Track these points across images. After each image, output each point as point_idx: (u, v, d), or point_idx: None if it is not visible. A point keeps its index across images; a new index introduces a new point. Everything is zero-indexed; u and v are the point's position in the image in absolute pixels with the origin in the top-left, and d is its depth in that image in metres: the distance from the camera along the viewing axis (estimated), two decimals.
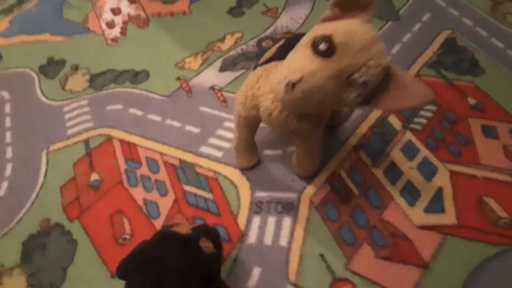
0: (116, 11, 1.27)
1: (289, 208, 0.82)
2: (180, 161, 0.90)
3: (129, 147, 0.93)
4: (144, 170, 0.89)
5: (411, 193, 0.82)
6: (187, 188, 0.86)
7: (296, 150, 0.81)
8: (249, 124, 0.78)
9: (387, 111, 0.58)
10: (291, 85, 0.50)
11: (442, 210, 0.79)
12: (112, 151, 0.92)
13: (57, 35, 1.21)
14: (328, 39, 0.51)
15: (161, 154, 0.91)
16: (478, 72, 1.01)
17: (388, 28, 1.13)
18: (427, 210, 0.80)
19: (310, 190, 0.84)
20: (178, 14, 1.25)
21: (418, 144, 0.89)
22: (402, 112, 0.94)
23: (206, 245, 0.58)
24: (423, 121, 0.93)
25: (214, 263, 0.59)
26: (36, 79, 1.10)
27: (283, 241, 0.77)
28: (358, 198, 0.82)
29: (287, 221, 0.80)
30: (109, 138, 0.95)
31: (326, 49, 0.51)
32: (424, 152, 0.88)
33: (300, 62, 0.51)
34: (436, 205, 0.80)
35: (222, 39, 1.16)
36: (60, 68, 1.11)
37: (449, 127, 0.91)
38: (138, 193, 0.86)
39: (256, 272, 0.74)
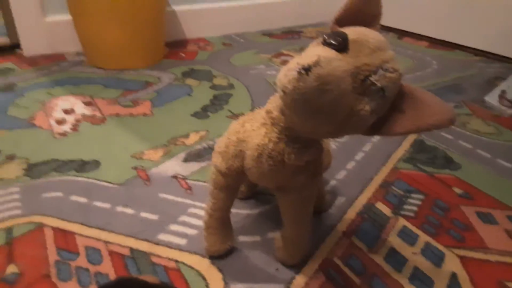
0: (68, 111, 1.18)
1: None
2: (131, 250, 0.70)
3: (64, 235, 0.72)
4: (81, 261, 0.68)
5: (422, 281, 0.67)
6: None
7: (284, 225, 0.67)
8: (228, 185, 0.64)
9: (404, 134, 0.49)
10: (306, 69, 0.41)
11: None
12: (42, 241, 0.71)
13: None
14: (340, 33, 0.45)
15: (106, 243, 0.71)
16: (455, 167, 0.99)
17: None
18: None
19: (300, 280, 0.66)
20: (138, 115, 1.18)
21: (415, 229, 0.78)
22: (390, 200, 0.85)
23: None
24: (414, 208, 0.84)
25: None
26: None
27: None
28: (360, 287, 0.65)
29: None
30: (40, 226, 0.74)
31: (340, 42, 0.44)
32: (424, 237, 0.76)
33: (314, 51, 0.43)
34: None
35: (186, 136, 1.08)
36: None
37: (442, 214, 0.82)
38: None
39: None
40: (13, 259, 0.67)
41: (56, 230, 0.74)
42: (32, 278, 0.64)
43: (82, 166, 0.93)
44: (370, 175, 0.94)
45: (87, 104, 1.24)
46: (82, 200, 0.82)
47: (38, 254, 0.68)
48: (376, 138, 1.10)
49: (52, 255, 0.68)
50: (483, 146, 1.07)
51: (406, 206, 0.84)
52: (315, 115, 0.46)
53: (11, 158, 0.95)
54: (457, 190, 0.90)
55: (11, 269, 0.65)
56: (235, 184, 0.65)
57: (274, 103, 0.55)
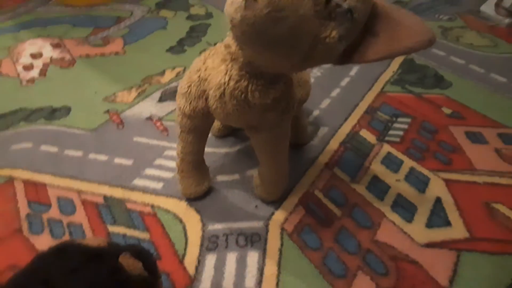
0: (36, 56, 1.11)
1: (254, 240, 0.61)
2: (105, 198, 0.68)
3: (35, 188, 0.70)
4: (53, 212, 0.66)
5: (405, 208, 0.65)
6: (113, 229, 0.63)
7: (260, 164, 0.63)
8: (196, 127, 0.60)
9: (379, 60, 0.43)
10: None
11: (447, 223, 0.62)
12: (12, 195, 0.69)
13: None
14: None
15: (79, 192, 0.69)
16: (445, 85, 0.93)
17: None
18: (430, 224, 0.62)
19: (279, 215, 0.64)
20: (109, 55, 1.10)
21: (400, 155, 0.74)
22: (375, 127, 0.81)
23: (131, 263, 0.36)
24: (399, 132, 0.80)
25: None
26: None
27: (250, 283, 0.55)
28: (341, 219, 0.63)
29: (253, 256, 0.58)
30: (9, 180, 0.71)
31: None
32: (409, 162, 0.73)
33: None
34: (438, 218, 0.63)
35: (162, 73, 1.02)
36: None
37: (429, 136, 0.78)
38: (43, 242, 0.61)
39: None
40: None
41: (27, 182, 0.71)
42: (3, 233, 0.62)
43: (52, 113, 0.88)
44: (355, 102, 0.89)
45: (55, 46, 1.16)
46: (53, 149, 0.79)
47: (9, 209, 0.66)
48: None
49: (23, 209, 0.66)
50: (477, 61, 1.01)
51: (391, 132, 0.80)
52: (272, 48, 0.40)
53: None
54: (447, 110, 0.85)
55: None
56: (203, 125, 0.61)
57: (231, 34, 0.49)
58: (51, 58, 1.09)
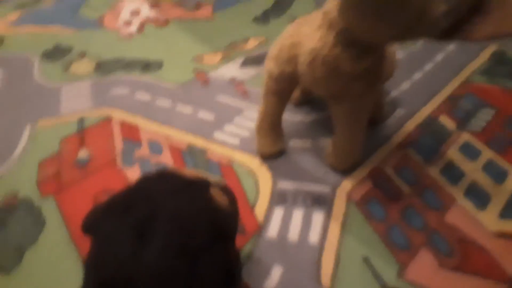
0: (135, 13, 1.20)
1: (321, 202, 0.64)
2: (189, 146, 0.74)
3: (130, 128, 0.78)
4: (144, 151, 0.73)
5: (478, 196, 0.64)
6: None
7: (336, 133, 0.65)
8: (281, 90, 0.63)
9: (485, 40, 0.42)
10: None
11: None
12: (109, 131, 0.77)
13: (69, 28, 1.13)
14: None
15: (167, 137, 0.76)
16: None
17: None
18: (504, 215, 0.61)
19: (347, 184, 0.66)
20: (200, 19, 1.17)
21: (480, 145, 0.73)
22: (456, 115, 0.79)
23: (219, 195, 0.40)
24: (482, 123, 0.78)
25: (231, 222, 0.41)
26: (37, 62, 0.99)
27: (314, 239, 0.58)
28: (410, 197, 0.64)
29: (318, 216, 0.61)
30: (108, 118, 0.80)
31: None
32: (488, 153, 0.71)
33: None
34: None
35: (245, 41, 1.06)
36: (66, 54, 1.01)
37: None
38: (133, 174, 0.69)
39: (277, 271, 0.54)
40: (85, 145, 0.74)
41: (123, 122, 0.79)
42: (100, 162, 0.71)
43: (146, 66, 0.96)
44: (437, 88, 0.87)
45: (152, 6, 1.24)
46: (146, 97, 0.86)
47: (106, 142, 0.75)
48: (450, 47, 1.00)
49: (118, 144, 0.74)
50: None
51: (473, 121, 0.78)
52: (378, 15, 0.41)
53: (82, 55, 1.01)
54: None
55: (83, 153, 0.72)
56: (287, 89, 0.64)
57: (333, 1, 0.50)
58: (147, 17, 1.18)
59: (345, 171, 0.68)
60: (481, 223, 0.60)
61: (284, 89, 0.63)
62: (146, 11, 1.21)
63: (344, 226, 0.60)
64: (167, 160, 0.71)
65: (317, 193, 0.65)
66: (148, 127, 0.78)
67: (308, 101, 0.83)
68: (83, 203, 0.63)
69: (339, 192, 0.65)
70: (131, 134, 0.76)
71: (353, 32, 0.47)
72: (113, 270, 0.33)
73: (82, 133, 0.76)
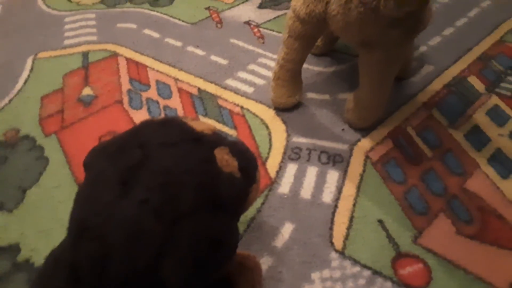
0: None
1: (337, 160, 0.60)
2: (199, 90, 0.70)
3: (137, 67, 0.73)
4: (152, 93, 0.69)
5: (502, 164, 0.61)
6: (204, 120, 0.65)
7: (360, 86, 0.61)
8: (306, 34, 0.57)
9: None
10: None
11: None
12: (115, 69, 0.73)
13: None
14: None
15: (176, 79, 0.71)
16: None
17: None
18: None
19: (366, 143, 0.63)
20: None
21: (508, 110, 0.68)
22: (486, 75, 0.74)
23: (226, 158, 0.36)
24: None
25: (232, 192, 0.35)
26: None
27: (327, 198, 0.56)
28: (431, 160, 0.61)
29: (333, 175, 0.58)
30: (114, 55, 0.75)
31: None
32: None
33: None
34: None
35: None
36: None
37: None
38: (141, 117, 0.65)
39: (287, 228, 0.52)
40: (89, 82, 0.70)
41: (129, 60, 0.75)
42: (105, 101, 0.67)
43: (156, 0, 0.89)
44: (468, 45, 0.81)
45: None
46: (155, 34, 0.81)
47: (112, 81, 0.70)
48: (485, 3, 0.92)
49: (125, 84, 0.70)
50: None
51: (504, 84, 0.73)
52: None
53: None
54: None
55: (87, 91, 0.68)
56: (314, 33, 0.58)
57: None
58: None
59: (365, 128, 0.64)
60: (503, 191, 0.57)
61: (310, 33, 0.58)
62: None
63: (359, 186, 0.57)
64: (176, 104, 0.67)
65: (333, 150, 0.62)
66: (156, 67, 0.73)
67: (329, 52, 0.77)
68: (87, 144, 0.60)
69: (357, 151, 0.62)
70: (138, 74, 0.72)
71: None
72: (88, 213, 0.31)
73: (86, 69, 0.72)
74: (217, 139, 0.38)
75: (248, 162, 0.40)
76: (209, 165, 0.34)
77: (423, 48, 0.79)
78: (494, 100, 0.70)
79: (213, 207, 0.32)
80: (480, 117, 0.67)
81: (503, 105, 0.69)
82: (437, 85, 0.73)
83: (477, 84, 0.73)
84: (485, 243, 0.52)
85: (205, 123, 0.40)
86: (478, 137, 0.64)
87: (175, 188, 0.31)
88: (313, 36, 0.60)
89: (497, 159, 0.61)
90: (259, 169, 0.40)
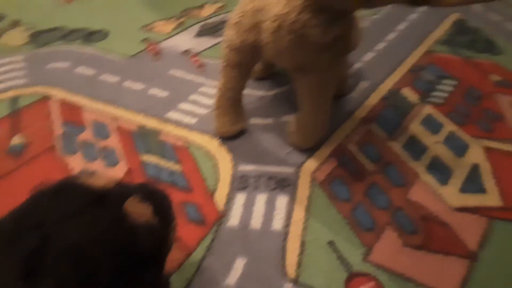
0: None
1: (284, 184, 0.60)
2: (139, 127, 0.68)
3: (70, 108, 0.70)
4: (87, 135, 0.66)
5: (440, 171, 0.63)
6: (145, 157, 0.63)
7: (300, 109, 0.62)
8: (242, 62, 0.58)
9: (459, 5, 0.39)
10: None
11: (482, 190, 0.61)
12: (47, 112, 0.70)
13: None
14: None
15: (114, 118, 0.69)
16: (496, 51, 0.88)
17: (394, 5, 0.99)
18: (464, 189, 0.61)
19: (311, 164, 0.63)
20: None
21: (441, 118, 0.72)
22: (418, 86, 0.78)
23: (138, 208, 0.34)
24: (443, 95, 0.77)
25: (148, 241, 0.33)
26: None
27: (277, 225, 0.55)
28: (374, 174, 0.62)
29: (282, 200, 0.58)
30: (46, 98, 0.72)
31: None
32: (449, 126, 0.70)
33: None
34: (474, 184, 0.61)
35: (201, 7, 0.98)
36: None
37: (474, 102, 0.75)
38: (75, 162, 0.62)
39: (240, 263, 0.51)
40: (19, 129, 0.66)
41: (62, 102, 0.72)
42: (37, 149, 0.64)
43: (89, 35, 0.87)
44: (400, 58, 0.85)
45: None
46: (89, 72, 0.78)
47: (44, 126, 0.67)
48: (413, 16, 0.97)
49: (58, 128, 0.67)
50: None
51: (435, 93, 0.77)
52: None
53: (15, 24, 0.90)
54: (494, 77, 0.81)
55: (17, 139, 0.65)
56: (249, 61, 0.59)
57: None
58: None
59: (309, 149, 0.65)
60: (443, 198, 0.60)
61: (246, 61, 0.59)
62: None
63: (308, 209, 0.57)
64: (114, 144, 0.65)
65: (280, 175, 0.62)
66: (92, 107, 0.71)
67: (269, 75, 0.78)
68: (20, 199, 0.56)
69: (303, 173, 0.62)
70: (72, 115, 0.69)
71: None
72: None
73: (15, 116, 0.68)
74: (123, 190, 0.36)
75: (162, 202, 0.39)
76: (121, 224, 0.32)
77: (358, 65, 0.82)
78: (427, 109, 0.74)
79: (136, 265, 0.31)
80: (416, 127, 0.70)
81: (436, 113, 0.73)
82: (374, 99, 0.75)
83: (410, 95, 0.76)
84: (432, 252, 0.53)
85: (105, 177, 0.37)
86: (415, 147, 0.67)
87: (89, 264, 0.29)
88: (249, 64, 0.60)
89: (435, 167, 0.64)
90: (172, 207, 0.39)
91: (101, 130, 0.67)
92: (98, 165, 0.62)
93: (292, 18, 0.45)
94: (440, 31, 0.93)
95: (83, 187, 0.33)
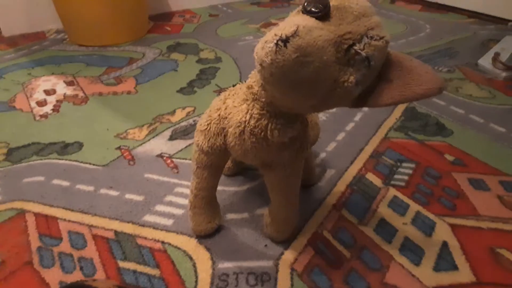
0: (50, 92, 1.15)
1: (265, 279, 0.61)
2: (116, 233, 0.69)
3: (46, 221, 0.71)
4: (64, 246, 0.66)
5: (412, 251, 0.66)
6: (123, 264, 0.63)
7: (271, 202, 0.65)
8: (212, 164, 0.62)
9: (391, 105, 0.46)
10: (284, 41, 0.38)
11: (454, 267, 0.63)
12: (23, 227, 0.69)
13: None
14: (321, 0, 0.42)
15: (90, 226, 0.70)
16: (446, 133, 0.97)
17: None
18: (437, 268, 0.63)
19: (289, 255, 0.65)
20: (122, 94, 1.14)
21: (406, 199, 0.76)
22: (380, 170, 0.83)
23: None
24: (405, 177, 0.82)
25: None
26: None
27: None
28: (350, 261, 0.64)
29: None
30: (21, 213, 0.72)
31: (320, 9, 0.41)
32: (414, 206, 0.75)
33: (293, 20, 0.40)
34: (445, 262, 0.64)
35: (172, 113, 1.05)
36: None
37: (433, 182, 0.81)
38: (53, 276, 0.61)
39: None
40: None
41: (38, 215, 0.72)
42: (14, 266, 0.62)
43: (64, 148, 0.90)
44: (360, 146, 0.91)
45: (68, 83, 1.20)
46: (65, 183, 0.80)
47: (20, 241, 0.67)
48: (365, 109, 1.06)
49: (34, 242, 0.67)
50: (476, 111, 1.05)
51: (396, 176, 0.82)
52: (296, 89, 0.43)
53: None
54: (449, 157, 0.88)
55: None
56: (219, 162, 0.63)
57: (255, 77, 0.52)
58: (64, 95, 1.13)
59: (286, 241, 0.67)
60: (419, 279, 0.61)
61: (216, 162, 0.63)
62: (62, 89, 1.16)
63: None
64: (91, 253, 0.65)
65: (260, 270, 0.62)
66: (68, 217, 0.71)
67: (240, 171, 0.82)
68: None
69: (282, 266, 0.63)
70: (48, 228, 0.69)
71: (277, 104, 0.48)
72: None
73: None
74: None
75: None
76: None
77: (322, 155, 0.88)
78: (392, 192, 0.78)
79: None
80: (384, 210, 0.74)
81: (400, 195, 0.77)
82: (341, 186, 0.79)
83: (374, 179, 0.81)
84: None
85: (108, 280, 0.39)
86: (386, 230, 0.70)
87: None
88: (219, 164, 0.64)
89: (407, 248, 0.66)
90: None
91: (77, 240, 0.67)
92: (75, 276, 0.61)
93: (252, 124, 0.51)
94: (393, 119, 1.02)
95: None
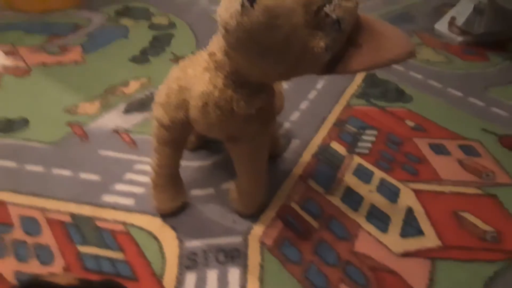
0: None
1: (235, 255, 0.60)
2: (72, 216, 0.64)
3: None
4: (17, 233, 0.61)
5: (379, 218, 0.67)
6: (83, 249, 0.59)
7: (238, 176, 0.62)
8: (174, 139, 0.58)
9: (362, 71, 0.44)
10: (250, 1, 0.34)
11: (420, 232, 0.65)
12: None
13: None
14: None
15: (43, 210, 0.65)
16: (406, 99, 0.98)
17: None
18: (404, 234, 0.64)
19: (258, 230, 0.63)
20: (68, 63, 1.05)
21: (370, 166, 0.77)
22: (344, 139, 0.83)
23: None
24: (368, 144, 0.82)
25: None
26: None
27: None
28: (319, 231, 0.64)
29: (234, 273, 0.57)
30: None
31: None
32: (379, 173, 0.75)
33: None
34: (411, 227, 0.65)
35: (125, 84, 0.98)
36: None
37: (395, 148, 0.81)
38: (7, 266, 0.56)
39: None
40: None
41: None
42: None
43: (8, 125, 0.82)
44: (323, 114, 0.90)
45: (8, 53, 1.09)
46: (11, 164, 0.73)
47: None
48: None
49: None
50: (434, 76, 1.07)
51: (360, 143, 0.83)
52: (264, 55, 0.40)
53: None
54: (410, 123, 0.89)
55: None
56: (181, 137, 0.59)
57: (217, 43, 0.48)
58: (4, 66, 1.02)
59: (254, 215, 0.65)
60: (387, 246, 0.62)
61: (178, 137, 0.59)
62: (1, 60, 1.05)
63: (262, 277, 0.57)
64: (47, 239, 0.60)
65: (229, 246, 0.61)
66: (18, 201, 0.66)
67: (203, 145, 0.78)
68: None
69: (251, 240, 0.62)
70: None
71: (242, 73, 0.45)
72: None
73: None
74: (87, 286, 0.36)
75: None
76: None
77: (287, 125, 0.86)
78: (356, 160, 0.78)
79: None
80: (349, 178, 0.74)
81: (364, 163, 0.78)
82: (306, 156, 0.79)
83: (339, 148, 0.81)
84: None
85: (69, 274, 0.37)
86: (352, 198, 0.70)
87: None
88: (181, 139, 0.61)
89: (374, 215, 0.67)
90: None
91: (31, 226, 0.62)
92: (32, 265, 0.56)
93: (216, 95, 0.48)
94: (354, 86, 1.01)
95: (50, 285, 0.32)
